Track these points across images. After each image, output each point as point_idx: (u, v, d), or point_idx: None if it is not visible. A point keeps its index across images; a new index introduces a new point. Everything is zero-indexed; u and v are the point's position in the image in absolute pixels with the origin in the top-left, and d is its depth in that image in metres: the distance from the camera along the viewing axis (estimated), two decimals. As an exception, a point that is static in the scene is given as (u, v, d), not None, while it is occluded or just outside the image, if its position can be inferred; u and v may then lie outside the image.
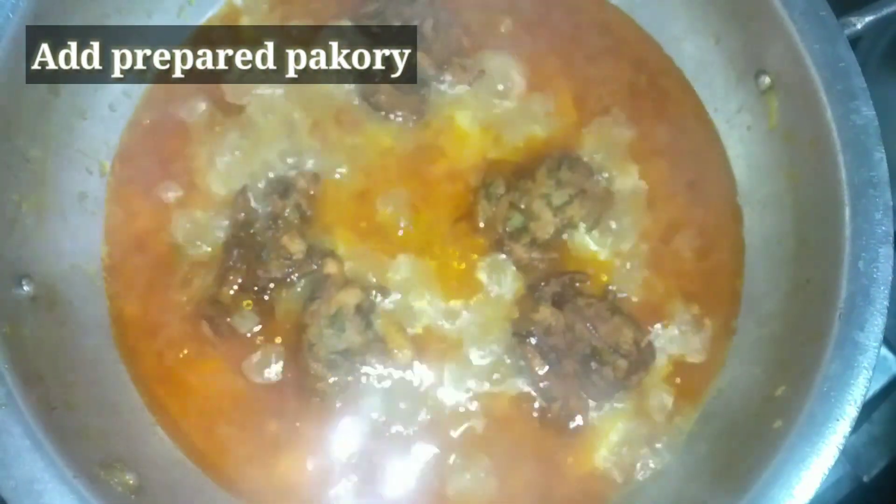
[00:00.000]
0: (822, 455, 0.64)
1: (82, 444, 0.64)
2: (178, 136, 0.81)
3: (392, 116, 0.81)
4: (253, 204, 0.78)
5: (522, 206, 0.77)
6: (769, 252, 0.79)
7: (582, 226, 0.78)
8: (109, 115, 0.80)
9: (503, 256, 0.78)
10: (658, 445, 0.75)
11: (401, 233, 0.79)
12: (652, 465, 0.75)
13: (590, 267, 0.79)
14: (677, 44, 0.86)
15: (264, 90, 0.81)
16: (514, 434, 0.74)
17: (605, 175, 0.81)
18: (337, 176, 0.80)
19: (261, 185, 0.79)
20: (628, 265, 0.79)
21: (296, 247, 0.75)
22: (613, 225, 0.80)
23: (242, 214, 0.78)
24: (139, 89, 0.82)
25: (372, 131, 0.81)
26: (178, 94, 0.81)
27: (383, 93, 0.80)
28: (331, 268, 0.75)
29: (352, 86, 0.81)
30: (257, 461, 0.73)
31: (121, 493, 0.65)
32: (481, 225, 0.78)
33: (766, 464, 0.65)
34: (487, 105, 0.83)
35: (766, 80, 0.78)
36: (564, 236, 0.79)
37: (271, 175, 0.79)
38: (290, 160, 0.80)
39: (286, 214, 0.77)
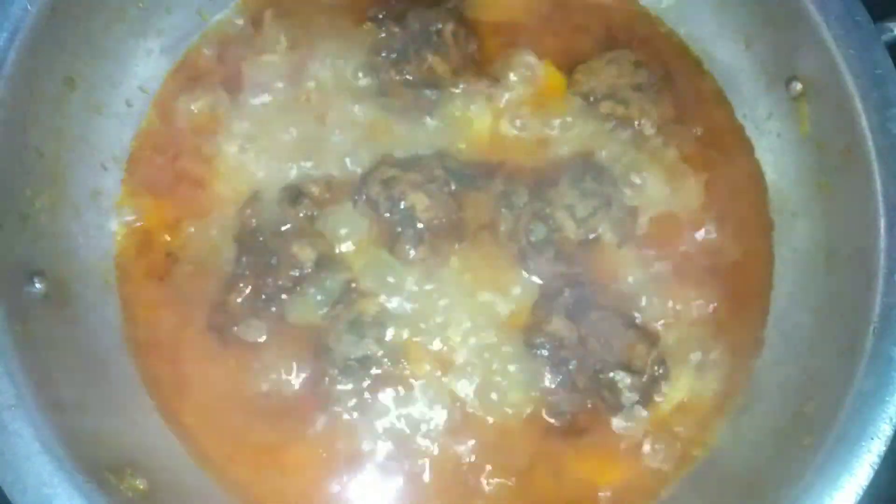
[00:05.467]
0: (856, 475, 0.61)
1: (93, 447, 0.63)
2: (193, 136, 0.79)
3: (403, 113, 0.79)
4: (263, 210, 0.76)
5: (545, 217, 0.75)
6: (798, 263, 0.76)
7: (606, 238, 0.76)
8: (126, 110, 0.79)
9: (525, 269, 0.75)
10: (675, 463, 0.73)
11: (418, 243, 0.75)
12: (672, 484, 0.73)
13: (613, 279, 0.76)
14: (706, 47, 0.83)
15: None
16: (524, 447, 0.72)
17: (630, 184, 0.78)
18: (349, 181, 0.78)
19: (272, 191, 0.77)
20: (650, 276, 0.76)
21: (306, 255, 0.73)
22: (638, 235, 0.77)
23: (253, 221, 0.76)
24: (156, 84, 0.81)
25: (385, 134, 0.79)
26: (195, 92, 0.80)
27: (395, 94, 0.79)
28: (354, 275, 0.74)
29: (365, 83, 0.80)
30: (268, 467, 0.72)
31: (131, 498, 0.63)
32: (502, 235, 0.76)
33: (795, 483, 0.63)
34: (505, 112, 0.80)
35: (798, 86, 0.76)
36: (589, 249, 0.76)
37: (283, 181, 0.77)
38: (303, 165, 0.78)
39: (296, 222, 0.75)
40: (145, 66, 0.80)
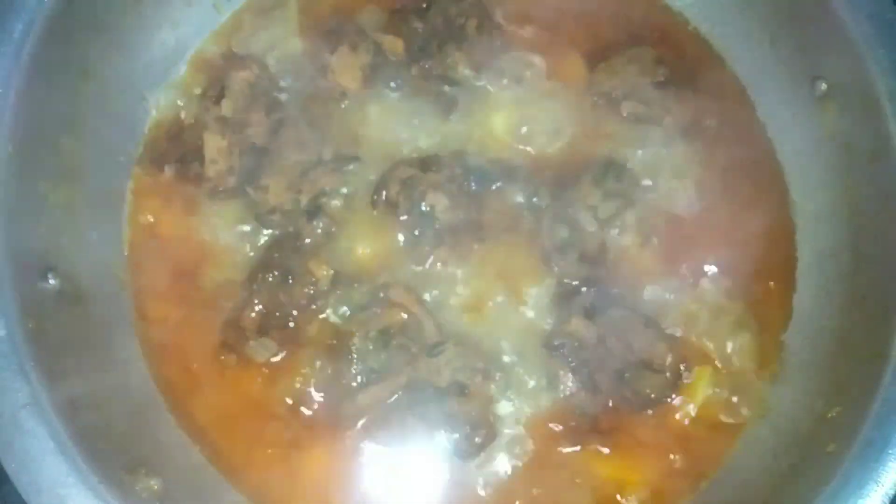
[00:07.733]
0: (882, 483, 0.60)
1: (107, 447, 0.62)
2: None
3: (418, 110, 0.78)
4: (280, 224, 0.75)
5: (567, 218, 0.74)
6: (822, 266, 0.75)
7: (628, 240, 0.75)
8: (141, 104, 0.78)
9: (547, 271, 0.74)
10: (699, 466, 0.72)
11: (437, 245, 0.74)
12: (693, 490, 0.72)
13: (634, 280, 0.75)
14: (729, 45, 0.82)
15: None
16: (547, 451, 0.71)
17: (652, 185, 0.77)
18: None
19: (291, 202, 0.75)
20: (671, 278, 0.75)
21: (322, 272, 0.72)
22: (659, 238, 0.76)
23: (267, 234, 0.75)
24: (173, 75, 0.80)
25: (404, 133, 0.78)
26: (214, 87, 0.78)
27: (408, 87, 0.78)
28: (372, 285, 0.73)
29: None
30: (281, 470, 0.71)
31: (145, 499, 0.63)
32: (524, 236, 0.75)
33: (819, 491, 0.61)
34: (528, 109, 0.79)
35: (823, 85, 0.74)
36: (611, 251, 0.75)
37: (302, 192, 0.75)
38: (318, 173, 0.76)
39: (314, 237, 0.74)
40: (160, 59, 0.79)
